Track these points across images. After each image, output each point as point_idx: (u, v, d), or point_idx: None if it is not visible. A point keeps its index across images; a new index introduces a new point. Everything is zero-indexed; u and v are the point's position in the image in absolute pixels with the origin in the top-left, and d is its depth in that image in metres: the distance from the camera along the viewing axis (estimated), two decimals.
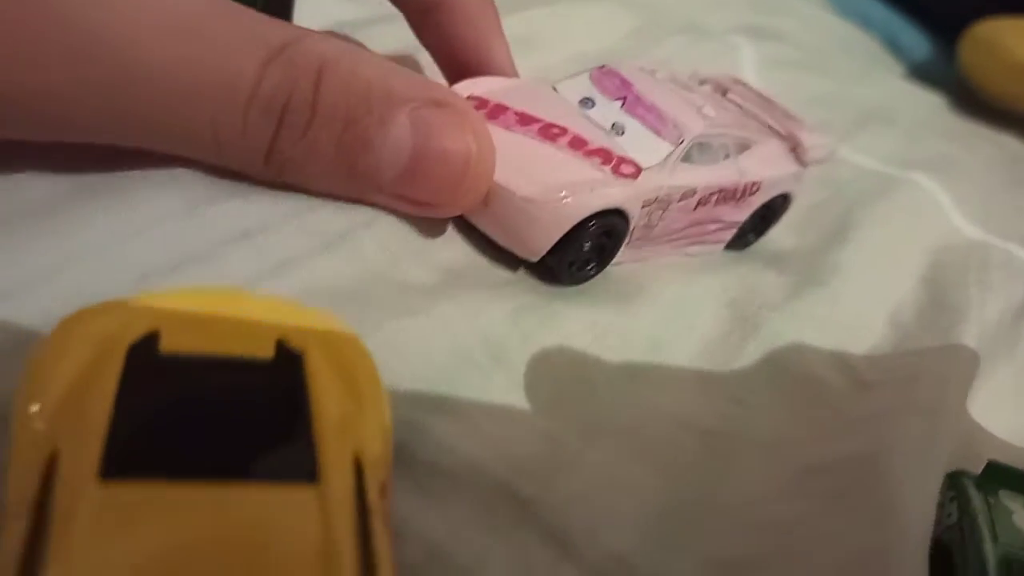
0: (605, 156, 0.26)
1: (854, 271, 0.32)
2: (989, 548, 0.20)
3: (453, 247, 0.26)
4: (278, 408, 0.15)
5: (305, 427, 0.15)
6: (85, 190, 0.21)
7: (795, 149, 0.32)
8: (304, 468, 0.14)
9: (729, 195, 0.29)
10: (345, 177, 0.22)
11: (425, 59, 0.31)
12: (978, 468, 0.23)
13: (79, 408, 0.14)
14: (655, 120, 0.27)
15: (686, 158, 0.27)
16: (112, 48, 0.18)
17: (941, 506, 0.21)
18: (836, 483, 0.22)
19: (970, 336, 0.29)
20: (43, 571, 0.12)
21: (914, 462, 0.22)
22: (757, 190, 0.30)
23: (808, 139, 0.32)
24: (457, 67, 0.29)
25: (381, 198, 0.23)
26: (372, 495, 0.15)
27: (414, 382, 0.20)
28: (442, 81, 0.30)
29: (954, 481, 0.22)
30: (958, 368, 0.27)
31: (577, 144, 0.26)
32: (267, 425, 0.15)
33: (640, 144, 0.27)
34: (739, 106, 0.34)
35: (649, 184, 0.26)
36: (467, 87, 0.28)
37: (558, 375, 0.23)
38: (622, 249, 0.27)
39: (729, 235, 0.31)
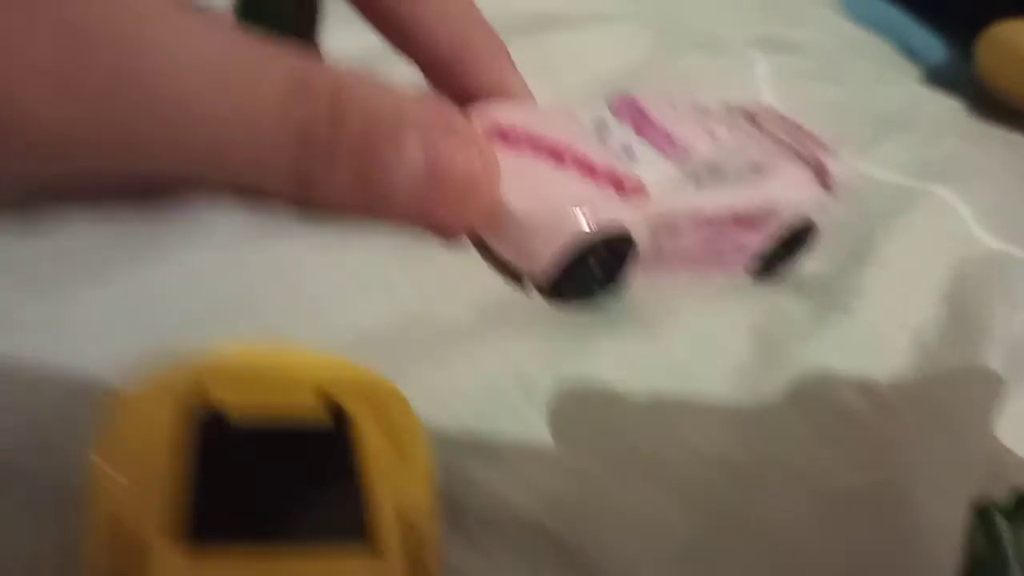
0: (612, 178, 0.26)
1: (876, 294, 0.32)
2: None
3: (483, 281, 0.26)
4: (330, 470, 0.16)
5: (355, 486, 0.16)
6: (131, 243, 0.21)
7: (821, 175, 0.33)
8: (354, 527, 0.15)
9: (744, 219, 0.29)
10: (364, 198, 0.23)
11: None
12: (1005, 490, 0.23)
13: (154, 477, 0.15)
14: (666, 144, 0.28)
15: (697, 181, 0.28)
16: (149, 88, 0.19)
17: (970, 539, 0.22)
18: (862, 509, 0.22)
19: (995, 354, 0.29)
20: None
21: (939, 487, 0.22)
22: (775, 215, 0.30)
23: (833, 165, 0.33)
24: (432, 65, 0.30)
25: (398, 218, 0.24)
26: (417, 545, 0.16)
27: (453, 427, 0.21)
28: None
29: (983, 514, 0.22)
30: (982, 389, 0.27)
31: (586, 167, 0.26)
32: (320, 487, 0.16)
33: (650, 166, 0.27)
34: (764, 130, 0.34)
35: (657, 206, 0.26)
36: (482, 110, 0.28)
37: (589, 411, 0.24)
38: (632, 273, 0.27)
39: (749, 259, 0.32)
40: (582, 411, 0.23)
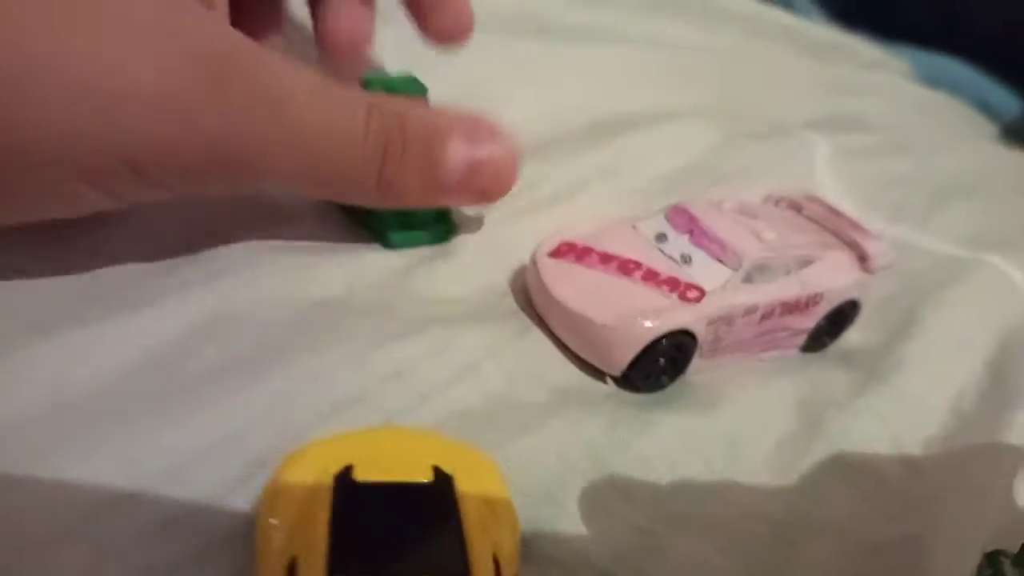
0: (673, 284, 0.32)
1: (917, 365, 0.35)
2: None
3: (559, 369, 0.32)
4: (438, 518, 0.21)
5: (458, 533, 0.21)
6: (272, 349, 0.28)
7: (861, 258, 0.37)
8: (457, 565, 0.20)
9: (792, 306, 0.34)
10: (428, 190, 0.31)
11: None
12: (1017, 546, 0.26)
13: (307, 523, 0.21)
14: (718, 249, 0.33)
15: (747, 279, 0.32)
16: (280, 108, 0.26)
17: None
18: (889, 563, 0.26)
19: (1021, 420, 0.32)
20: None
21: (955, 542, 0.25)
22: (821, 300, 0.35)
23: (873, 248, 0.37)
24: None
25: (451, 200, 0.33)
26: None
27: (534, 488, 0.26)
28: None
29: (992, 559, 0.25)
30: (1006, 452, 0.30)
31: (649, 275, 0.32)
32: (430, 532, 0.21)
33: (705, 271, 0.32)
34: (809, 220, 0.39)
35: (712, 305, 0.31)
36: (559, 233, 0.34)
37: (649, 475, 0.28)
38: (695, 360, 0.32)
39: (800, 340, 0.36)
40: (643, 476, 0.28)
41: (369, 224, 0.35)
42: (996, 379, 0.36)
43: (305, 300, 0.30)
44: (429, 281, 0.33)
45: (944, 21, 0.93)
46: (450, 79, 0.48)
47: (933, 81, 0.86)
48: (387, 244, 0.34)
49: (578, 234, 0.34)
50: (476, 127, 0.31)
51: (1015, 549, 0.26)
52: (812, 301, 0.35)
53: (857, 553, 0.27)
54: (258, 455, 0.24)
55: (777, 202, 0.40)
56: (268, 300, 0.30)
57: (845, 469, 0.30)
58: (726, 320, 0.32)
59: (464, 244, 0.36)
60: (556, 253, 0.33)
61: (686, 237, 0.34)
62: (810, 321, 0.35)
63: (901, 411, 0.33)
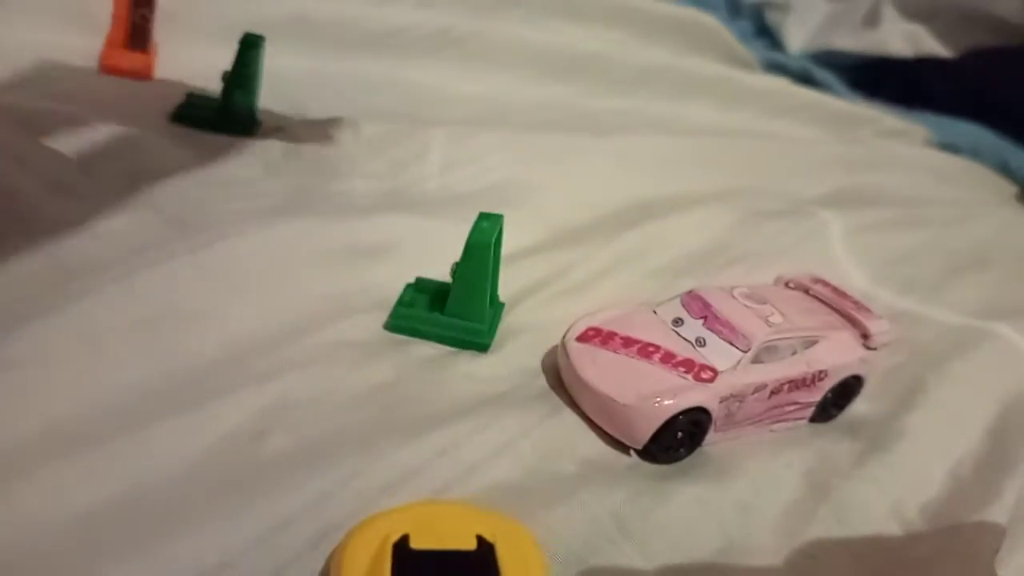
0: (688, 365, 0.36)
1: (917, 434, 0.38)
2: None
3: (587, 443, 0.35)
4: None
5: None
6: (335, 431, 0.32)
7: (864, 336, 0.40)
8: None
9: (799, 383, 0.37)
10: None
11: None
12: None
13: None
14: (729, 333, 0.37)
15: (756, 359, 0.36)
16: None
17: None
18: None
19: (1010, 489, 0.35)
20: None
21: None
22: (826, 376, 0.38)
23: (874, 327, 0.40)
24: None
25: None
26: None
27: (565, 553, 0.30)
28: None
29: None
30: (998, 516, 0.33)
31: (667, 358, 0.36)
32: None
33: (717, 353, 0.36)
34: (815, 300, 0.42)
35: (725, 384, 0.35)
36: (586, 319, 0.39)
37: (669, 540, 0.32)
38: (710, 434, 0.36)
39: (808, 412, 0.39)
40: (663, 539, 0.32)
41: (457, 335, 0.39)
42: (994, 446, 0.39)
43: (361, 387, 0.35)
44: (469, 369, 0.37)
45: (964, 88, 0.97)
46: (485, 174, 0.54)
47: (953, 147, 0.89)
48: (478, 347, 0.39)
49: (603, 319, 0.39)
50: None
51: None
52: (818, 377, 0.38)
53: None
54: (328, 524, 0.29)
55: (787, 284, 0.44)
56: (329, 388, 0.34)
57: (846, 533, 0.33)
58: (738, 397, 0.36)
59: (501, 328, 0.40)
60: (583, 338, 0.38)
61: (700, 322, 0.38)
62: (816, 395, 0.39)
63: (901, 478, 0.36)
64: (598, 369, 0.36)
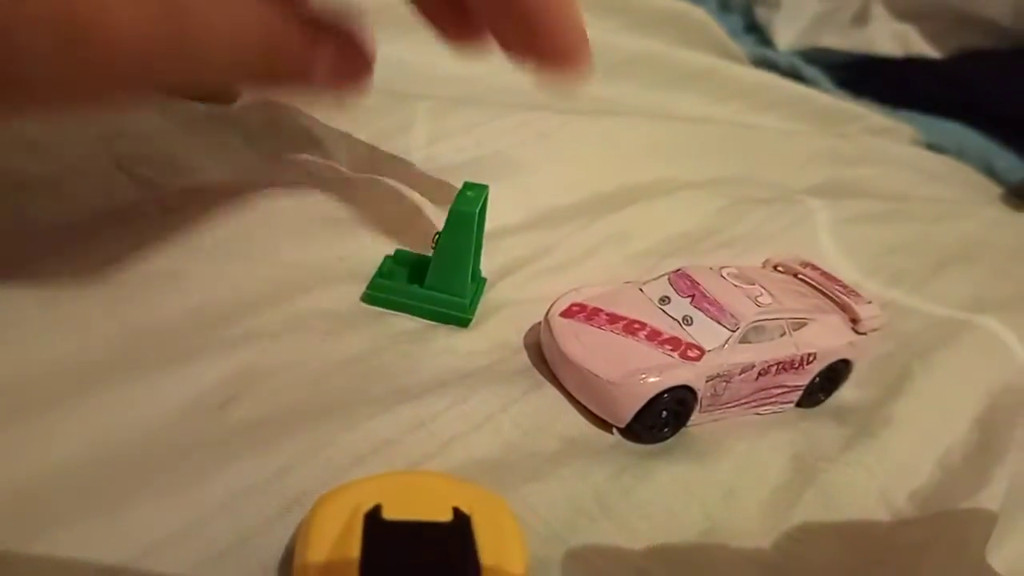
0: (675, 343, 0.35)
1: (905, 421, 0.38)
2: None
3: (569, 420, 0.34)
4: (457, 554, 0.24)
5: (474, 567, 0.24)
6: (307, 401, 0.31)
7: (853, 320, 0.39)
8: None
9: (787, 365, 0.37)
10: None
11: None
12: None
13: (338, 560, 0.24)
14: (716, 311, 0.36)
15: (744, 339, 0.35)
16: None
17: None
18: None
19: (1000, 477, 0.34)
20: None
21: None
22: (814, 359, 0.37)
23: (864, 312, 0.40)
24: None
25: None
26: None
27: (544, 531, 0.29)
28: None
29: None
30: (988, 504, 0.32)
31: (653, 335, 0.35)
32: (450, 566, 0.24)
33: (704, 332, 0.35)
34: (804, 284, 0.42)
35: (711, 363, 0.34)
36: (570, 295, 0.37)
37: (651, 521, 0.31)
38: (695, 414, 0.35)
39: (795, 396, 0.38)
40: (644, 520, 0.30)
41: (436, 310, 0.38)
42: (983, 436, 0.38)
43: (335, 357, 0.33)
44: (448, 341, 0.36)
45: (952, 89, 0.97)
46: (471, 148, 0.52)
47: (939, 146, 0.89)
48: (461, 322, 0.37)
49: (588, 295, 0.38)
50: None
51: None
52: (806, 360, 0.37)
53: None
54: (298, 493, 0.27)
55: (775, 267, 0.43)
56: (302, 357, 0.33)
57: (833, 518, 0.32)
58: (724, 377, 0.35)
59: (482, 304, 0.39)
60: (567, 313, 0.37)
61: (688, 300, 0.37)
62: (804, 379, 0.38)
63: (889, 465, 0.35)
64: (582, 345, 0.35)
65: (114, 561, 0.24)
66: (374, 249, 0.40)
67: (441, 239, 0.37)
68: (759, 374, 0.36)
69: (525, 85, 0.67)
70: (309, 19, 0.26)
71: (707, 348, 0.35)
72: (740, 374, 0.35)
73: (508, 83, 0.66)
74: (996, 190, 0.86)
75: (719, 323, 0.36)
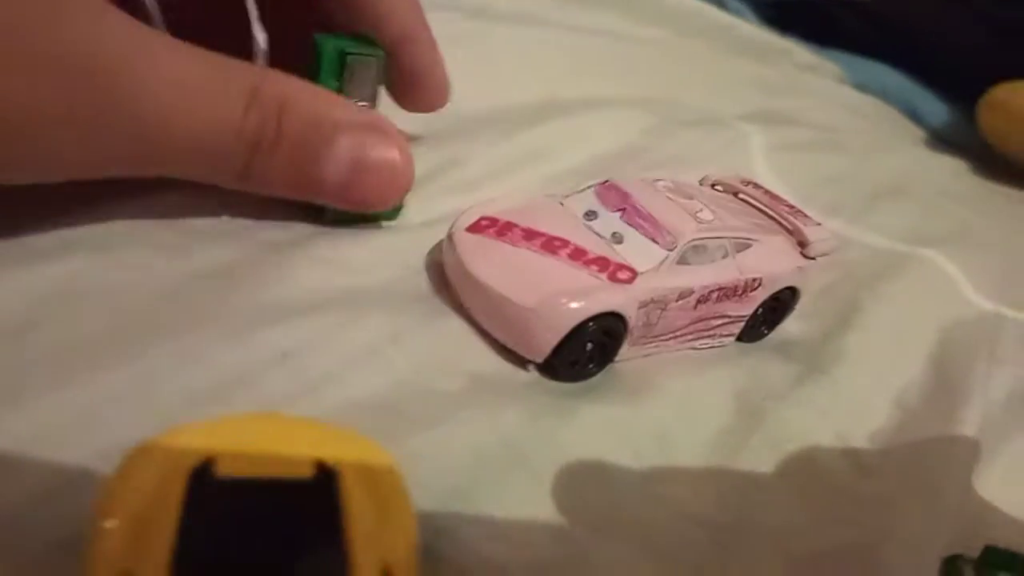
0: (602, 264, 0.29)
1: (858, 357, 0.33)
2: None
3: (475, 355, 0.28)
4: (316, 522, 0.18)
5: (339, 539, 0.17)
6: (136, 325, 0.24)
7: (801, 244, 0.34)
8: None
9: (729, 292, 0.31)
10: (297, 184, 0.28)
11: None
12: (981, 547, 0.24)
13: (148, 528, 0.17)
14: (651, 228, 0.30)
15: (682, 260, 0.30)
16: (132, 113, 0.23)
17: None
18: (837, 570, 0.23)
19: (972, 416, 0.30)
20: None
21: (910, 547, 0.23)
22: (759, 286, 0.32)
23: (813, 234, 0.35)
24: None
25: (327, 197, 0.29)
26: None
27: (441, 487, 0.23)
28: None
29: (950, 566, 0.23)
30: (958, 449, 0.28)
31: (577, 254, 0.29)
32: (306, 538, 0.17)
33: (637, 251, 0.30)
34: (747, 204, 0.36)
35: (645, 287, 0.29)
36: (479, 209, 0.31)
37: (574, 472, 0.25)
38: (625, 347, 0.29)
39: (736, 329, 0.33)
40: (566, 473, 0.25)
41: None
42: (940, 375, 0.34)
43: (178, 274, 0.26)
44: (331, 254, 0.29)
45: (875, 29, 0.94)
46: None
47: (864, 86, 0.86)
48: (323, 220, 0.31)
49: (500, 209, 0.31)
50: (373, 128, 0.29)
51: (974, 553, 0.23)
52: (750, 287, 0.32)
53: (802, 560, 0.24)
54: (106, 446, 0.20)
55: (713, 184, 0.38)
56: (132, 275, 0.26)
57: (787, 466, 0.27)
58: (659, 304, 0.29)
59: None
60: (475, 228, 0.30)
61: (617, 215, 0.31)
62: (747, 308, 0.33)
63: (844, 404, 0.31)
64: (492, 265, 0.29)
65: None
66: None
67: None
68: (698, 301, 0.31)
69: None
70: None
71: (640, 270, 0.29)
72: (677, 300, 0.30)
73: None
74: (920, 133, 0.84)
75: (653, 241, 0.30)
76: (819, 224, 0.36)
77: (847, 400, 0.31)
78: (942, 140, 0.81)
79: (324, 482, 0.19)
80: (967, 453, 0.29)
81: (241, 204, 0.30)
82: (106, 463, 0.20)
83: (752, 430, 0.28)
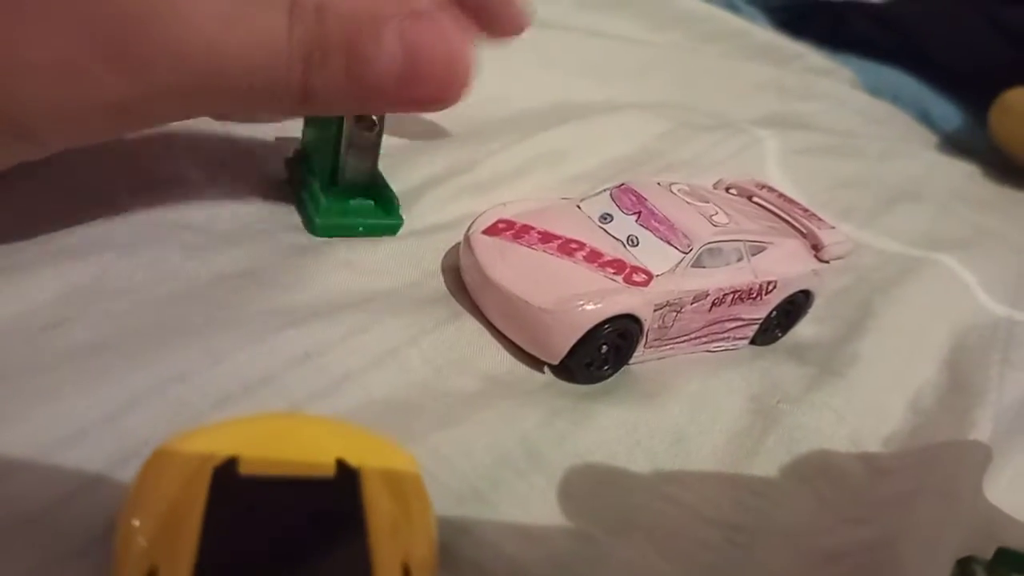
0: (618, 266, 0.29)
1: (872, 360, 0.33)
2: None
3: (492, 356, 0.28)
4: (338, 521, 0.18)
5: (361, 537, 0.18)
6: (162, 324, 0.24)
7: (815, 247, 0.35)
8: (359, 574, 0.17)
9: (744, 295, 0.32)
10: (357, 93, 0.25)
11: None
12: (993, 548, 0.24)
13: (174, 526, 0.17)
14: (666, 231, 0.30)
15: (697, 263, 0.30)
16: (180, 49, 0.22)
17: None
18: (852, 570, 0.23)
19: (985, 419, 0.30)
20: None
21: (926, 547, 0.23)
22: (774, 288, 0.32)
23: (827, 237, 0.35)
24: None
25: (390, 105, 0.27)
26: None
27: (459, 486, 0.23)
28: None
29: (964, 566, 0.23)
30: (972, 452, 0.28)
31: (593, 257, 0.29)
32: (329, 537, 0.18)
33: (652, 253, 0.30)
34: (763, 208, 0.37)
35: (660, 289, 0.29)
36: (496, 210, 0.31)
37: (590, 473, 0.25)
38: (640, 349, 0.29)
39: (750, 332, 0.33)
40: (585, 474, 0.25)
41: (297, 203, 0.31)
42: (954, 378, 0.34)
43: (204, 275, 0.27)
44: (350, 256, 0.30)
45: (888, 33, 0.94)
46: None
47: (877, 91, 0.86)
48: (311, 229, 0.31)
49: (517, 211, 0.32)
50: (419, 16, 0.25)
51: (987, 554, 0.23)
52: (765, 289, 0.32)
53: (817, 560, 0.24)
54: (133, 444, 0.21)
55: (727, 188, 0.38)
56: (158, 275, 0.26)
57: (802, 468, 0.27)
58: (674, 306, 0.30)
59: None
60: (492, 231, 0.30)
61: (633, 218, 0.31)
62: (762, 311, 0.33)
63: (858, 406, 0.31)
64: (509, 267, 0.29)
65: None
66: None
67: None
68: (713, 304, 0.31)
69: None
70: None
71: (655, 272, 0.29)
72: (692, 303, 0.30)
73: None
74: (933, 138, 0.84)
75: (669, 244, 0.30)
76: (833, 227, 0.36)
77: (861, 403, 0.31)
78: (954, 144, 0.81)
79: (346, 481, 0.19)
80: (981, 456, 0.29)
81: (262, 206, 0.31)
82: (132, 462, 0.20)
83: (767, 432, 0.29)
